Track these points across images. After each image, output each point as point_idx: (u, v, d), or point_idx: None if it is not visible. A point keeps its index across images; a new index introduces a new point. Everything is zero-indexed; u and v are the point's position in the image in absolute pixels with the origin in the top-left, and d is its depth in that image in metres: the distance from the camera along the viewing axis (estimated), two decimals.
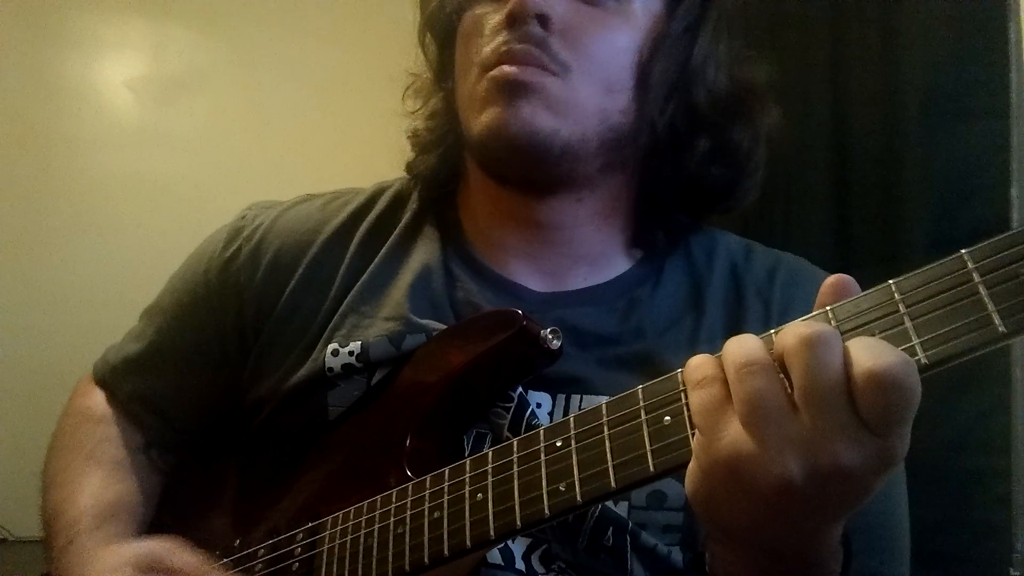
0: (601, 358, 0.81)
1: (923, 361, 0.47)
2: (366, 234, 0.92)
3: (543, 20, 0.80)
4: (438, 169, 0.94)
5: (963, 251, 0.48)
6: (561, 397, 0.79)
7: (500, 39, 0.81)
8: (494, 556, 0.72)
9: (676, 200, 0.91)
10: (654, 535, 0.75)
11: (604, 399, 0.60)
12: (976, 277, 0.47)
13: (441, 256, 0.89)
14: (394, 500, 0.69)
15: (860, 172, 1.17)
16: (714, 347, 0.53)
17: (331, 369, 0.82)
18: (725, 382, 0.51)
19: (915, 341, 0.48)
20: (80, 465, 0.90)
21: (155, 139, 2.39)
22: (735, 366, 0.50)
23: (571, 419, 0.60)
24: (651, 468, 0.55)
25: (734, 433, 0.49)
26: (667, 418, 0.55)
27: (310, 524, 0.76)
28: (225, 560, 0.82)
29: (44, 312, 2.19)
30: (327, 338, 0.85)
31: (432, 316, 0.84)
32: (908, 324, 0.49)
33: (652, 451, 0.55)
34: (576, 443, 0.59)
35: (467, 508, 0.63)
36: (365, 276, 0.88)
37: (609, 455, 0.57)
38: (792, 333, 0.49)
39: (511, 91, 0.79)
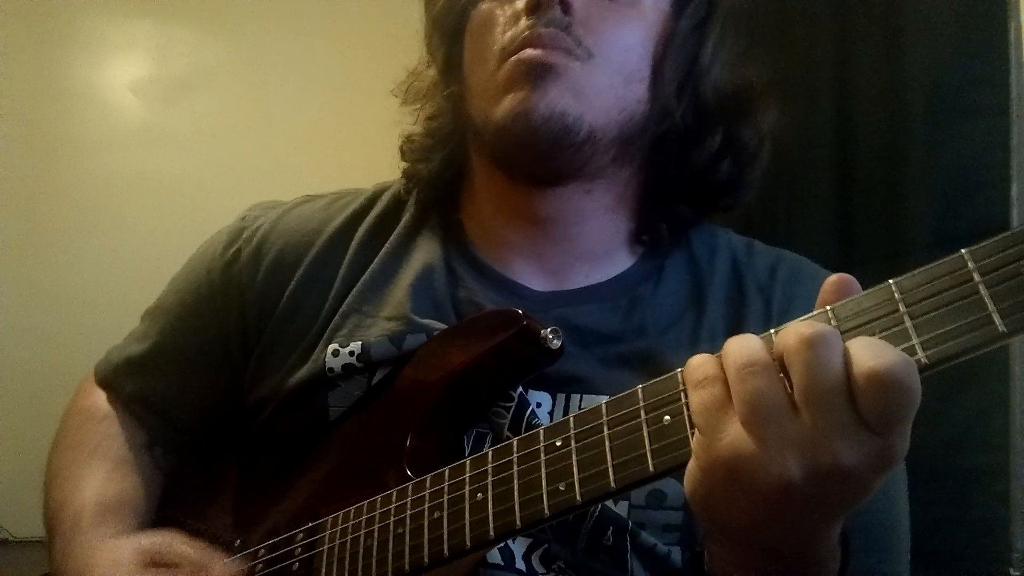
0: (603, 356, 0.81)
1: (923, 360, 0.47)
2: (366, 234, 0.92)
3: (565, 6, 0.81)
4: (441, 171, 0.94)
5: (963, 250, 0.48)
6: (561, 397, 0.79)
7: (522, 24, 0.81)
8: (494, 556, 0.72)
9: (681, 194, 0.91)
10: (654, 534, 0.75)
11: (604, 399, 0.60)
12: (976, 276, 0.47)
13: (443, 255, 0.89)
14: (394, 500, 0.69)
15: (863, 169, 1.17)
16: (715, 345, 0.53)
17: (332, 369, 0.82)
18: (725, 382, 0.51)
19: (915, 340, 0.48)
20: (83, 461, 0.91)
21: (159, 140, 2.40)
22: (735, 366, 0.50)
23: (571, 419, 0.60)
24: (651, 468, 0.55)
25: (734, 433, 0.49)
26: (667, 418, 0.55)
27: (310, 524, 0.76)
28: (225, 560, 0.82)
29: (46, 312, 2.20)
30: (328, 338, 0.85)
31: (433, 316, 0.84)
32: (908, 323, 0.48)
33: (652, 451, 0.55)
34: (576, 443, 0.59)
35: (467, 508, 0.63)
36: (366, 276, 0.88)
37: (609, 455, 0.57)
38: (793, 333, 0.49)
39: (538, 74, 0.79)
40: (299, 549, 0.76)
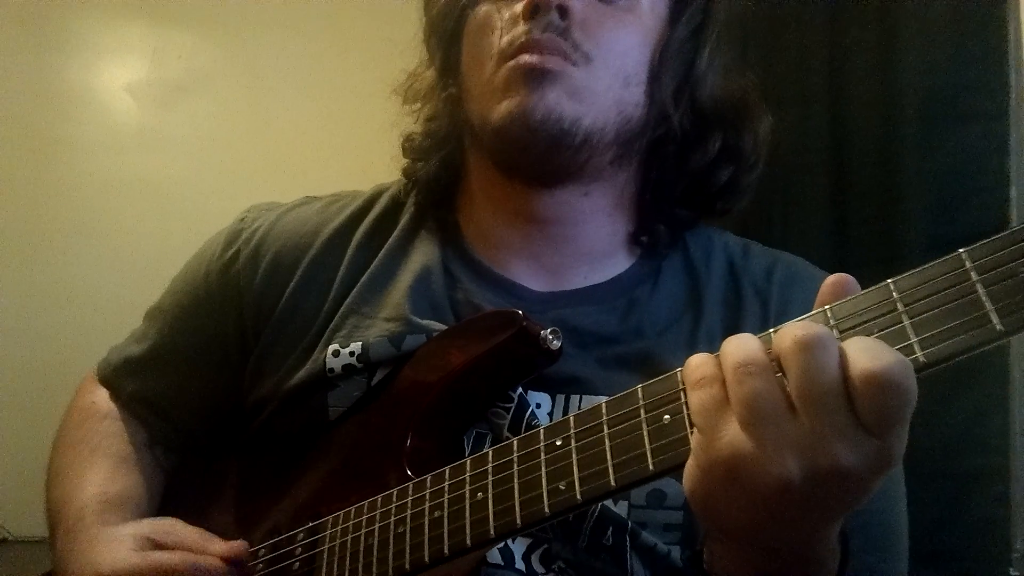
0: (601, 358, 0.81)
1: (921, 360, 0.47)
2: (365, 235, 0.93)
3: (562, 11, 0.81)
4: (438, 173, 0.95)
5: (961, 250, 0.48)
6: (561, 397, 0.79)
7: (520, 29, 0.81)
8: (494, 556, 0.72)
9: (679, 197, 0.92)
10: (654, 534, 0.75)
11: (604, 399, 0.60)
12: (974, 276, 0.47)
13: (440, 257, 0.90)
14: (394, 500, 0.69)
15: (858, 174, 1.17)
16: (713, 346, 0.53)
17: (332, 370, 0.82)
18: (724, 382, 0.51)
19: (913, 340, 0.48)
20: (85, 459, 0.91)
21: (156, 143, 2.39)
22: (733, 366, 0.50)
23: (571, 418, 0.61)
24: (650, 467, 0.55)
25: (733, 433, 0.49)
26: (666, 417, 0.55)
27: (311, 524, 0.77)
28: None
29: (45, 314, 2.19)
30: (327, 339, 0.85)
31: (432, 316, 0.84)
32: (906, 323, 0.49)
33: (651, 450, 0.55)
34: (576, 442, 0.59)
35: (467, 507, 0.63)
36: (365, 277, 0.88)
37: (609, 454, 0.57)
38: (787, 335, 0.49)
39: (535, 79, 0.80)
40: (300, 548, 0.76)
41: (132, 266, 2.15)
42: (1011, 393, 1.01)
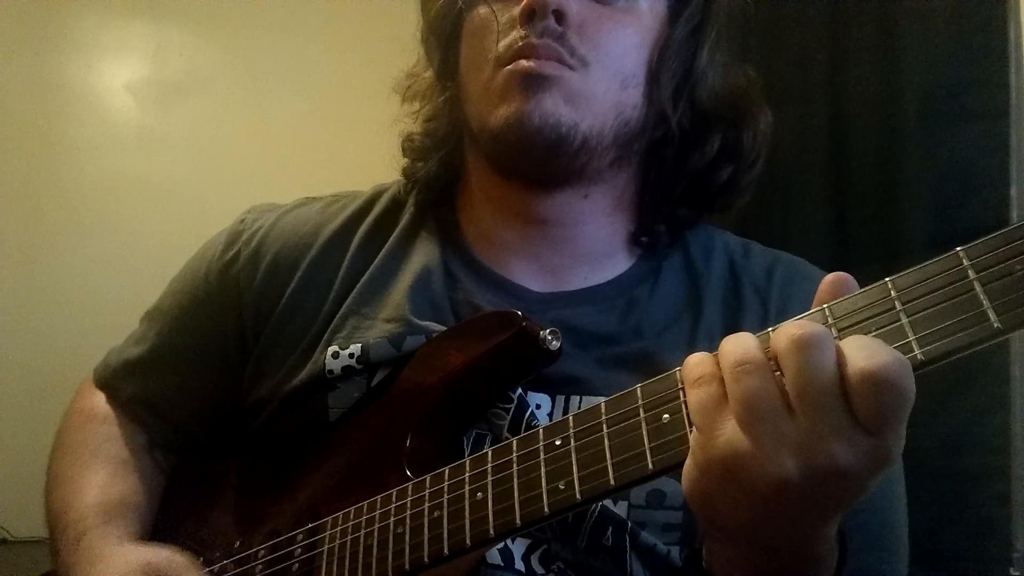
0: (601, 358, 0.81)
1: (919, 358, 0.47)
2: (365, 236, 0.92)
3: (559, 16, 0.81)
4: (438, 173, 0.95)
5: (959, 248, 0.48)
6: (560, 398, 0.79)
7: (517, 34, 0.81)
8: (493, 556, 0.72)
9: (679, 197, 0.92)
10: (653, 534, 0.75)
11: (603, 399, 0.60)
12: (972, 274, 0.47)
13: (440, 257, 0.89)
14: (394, 500, 0.69)
15: (859, 173, 1.17)
16: (713, 346, 0.53)
17: (332, 371, 0.82)
18: (722, 380, 0.51)
19: (911, 338, 0.48)
20: (85, 464, 0.91)
21: (155, 142, 2.40)
22: (730, 365, 0.50)
23: (570, 418, 0.61)
24: (650, 466, 0.55)
25: (730, 432, 0.49)
26: (665, 416, 0.55)
27: (310, 525, 0.77)
28: (226, 561, 0.82)
29: (45, 314, 2.19)
30: (327, 340, 0.85)
31: (432, 317, 0.84)
32: (904, 321, 0.49)
33: (651, 449, 0.55)
34: (575, 442, 0.59)
35: (467, 507, 0.63)
36: (364, 278, 0.88)
37: (608, 453, 0.57)
38: (784, 334, 0.49)
39: (532, 85, 0.80)
40: (299, 550, 0.76)
41: (132, 266, 2.15)
42: (1011, 393, 1.01)
